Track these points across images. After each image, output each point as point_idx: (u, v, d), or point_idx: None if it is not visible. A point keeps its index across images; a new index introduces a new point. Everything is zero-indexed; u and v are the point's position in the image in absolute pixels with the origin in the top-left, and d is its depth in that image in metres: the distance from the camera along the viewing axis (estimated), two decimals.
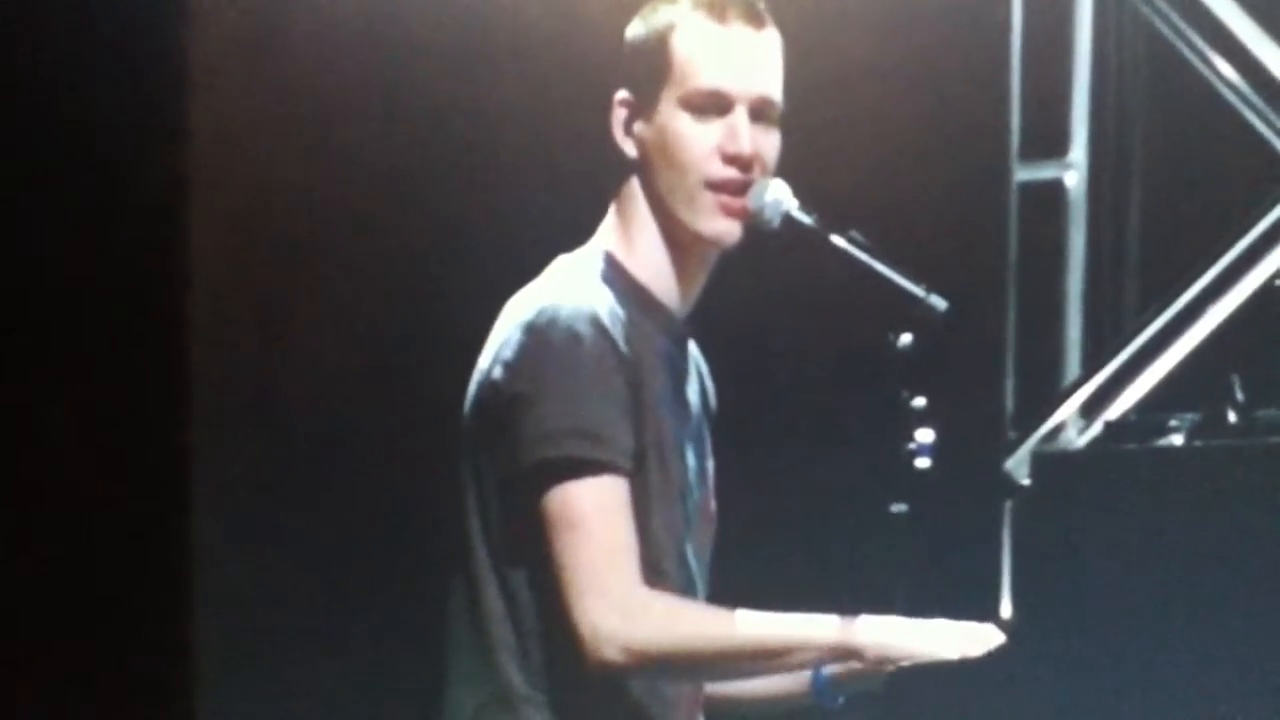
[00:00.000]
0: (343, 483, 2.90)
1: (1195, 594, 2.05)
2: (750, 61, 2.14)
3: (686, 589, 2.16)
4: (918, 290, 2.10)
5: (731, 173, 2.11)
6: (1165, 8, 3.10)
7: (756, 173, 2.12)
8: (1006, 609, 2.19)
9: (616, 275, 2.15)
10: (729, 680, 2.24)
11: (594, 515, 2.05)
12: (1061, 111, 3.26)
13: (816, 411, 3.04)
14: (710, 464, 2.27)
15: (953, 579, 2.22)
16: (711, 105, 2.12)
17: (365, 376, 2.88)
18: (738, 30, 2.14)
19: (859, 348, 2.10)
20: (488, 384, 2.12)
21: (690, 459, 2.21)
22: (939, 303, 2.10)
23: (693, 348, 2.26)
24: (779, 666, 2.14)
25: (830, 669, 2.22)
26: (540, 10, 2.80)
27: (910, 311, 2.10)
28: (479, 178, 2.86)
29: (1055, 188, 3.28)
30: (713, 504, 2.27)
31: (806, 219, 2.13)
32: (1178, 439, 2.25)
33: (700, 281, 2.20)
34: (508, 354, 2.10)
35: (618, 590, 2.04)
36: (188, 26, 2.46)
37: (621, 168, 2.18)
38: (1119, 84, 3.27)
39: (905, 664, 2.08)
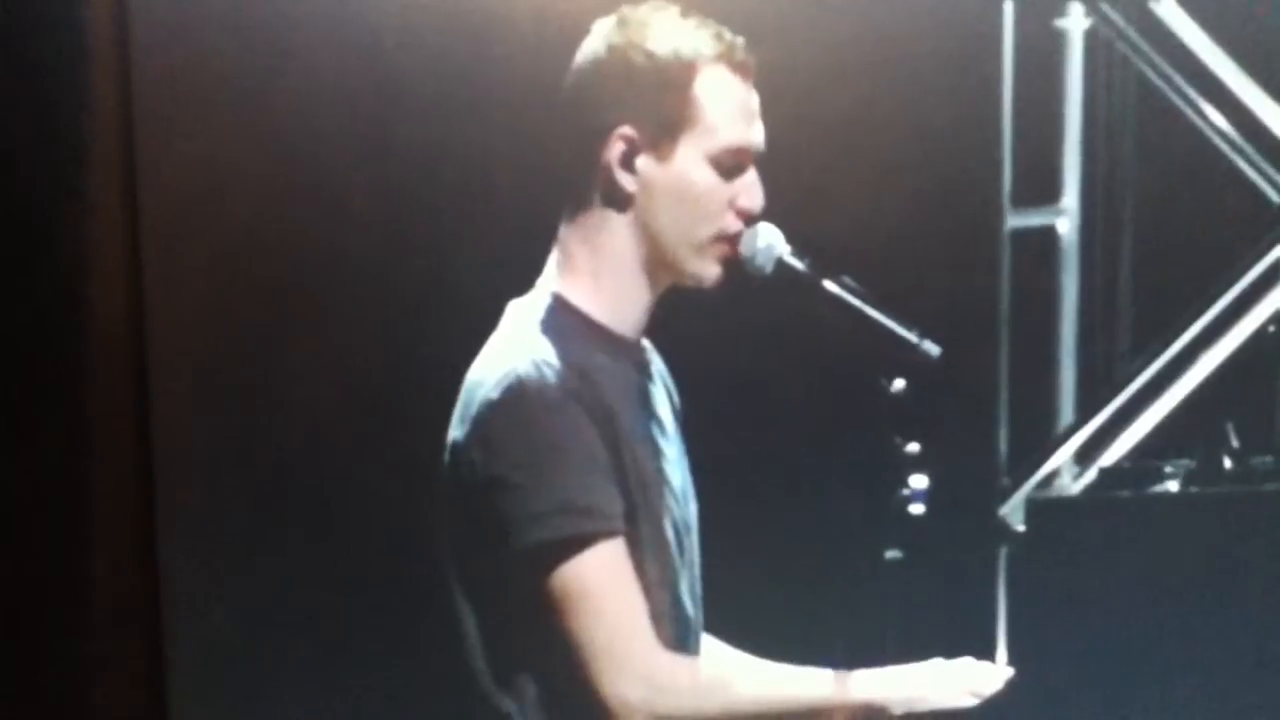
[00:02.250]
0: (322, 527, 2.89)
1: (1191, 642, 2.04)
2: (755, 114, 2.16)
3: (684, 629, 2.16)
4: (911, 336, 2.10)
5: (740, 225, 2.12)
6: (1155, 56, 3.11)
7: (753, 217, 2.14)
8: (1001, 656, 2.17)
9: (574, 321, 2.14)
10: None
11: (600, 587, 2.05)
12: (1053, 158, 3.26)
13: (808, 457, 3.02)
14: (689, 475, 2.26)
15: (947, 626, 2.21)
16: (733, 161, 2.13)
17: (348, 416, 2.87)
18: (749, 85, 2.16)
19: (852, 394, 2.10)
20: (463, 461, 2.11)
21: (676, 482, 2.20)
22: (932, 349, 2.10)
23: (653, 358, 2.25)
24: None
25: None
26: (532, 53, 2.80)
27: (903, 357, 2.10)
28: (467, 219, 2.85)
29: (1047, 234, 3.28)
30: (695, 517, 2.27)
31: (799, 264, 2.14)
32: (1173, 485, 2.25)
33: (653, 305, 2.20)
34: (480, 432, 2.08)
35: (640, 660, 2.05)
36: (180, 69, 2.46)
37: (592, 200, 2.16)
38: (1110, 131, 3.28)
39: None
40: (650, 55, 2.14)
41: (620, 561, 2.07)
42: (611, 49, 2.14)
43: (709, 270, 2.13)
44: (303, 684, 2.91)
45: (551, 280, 2.16)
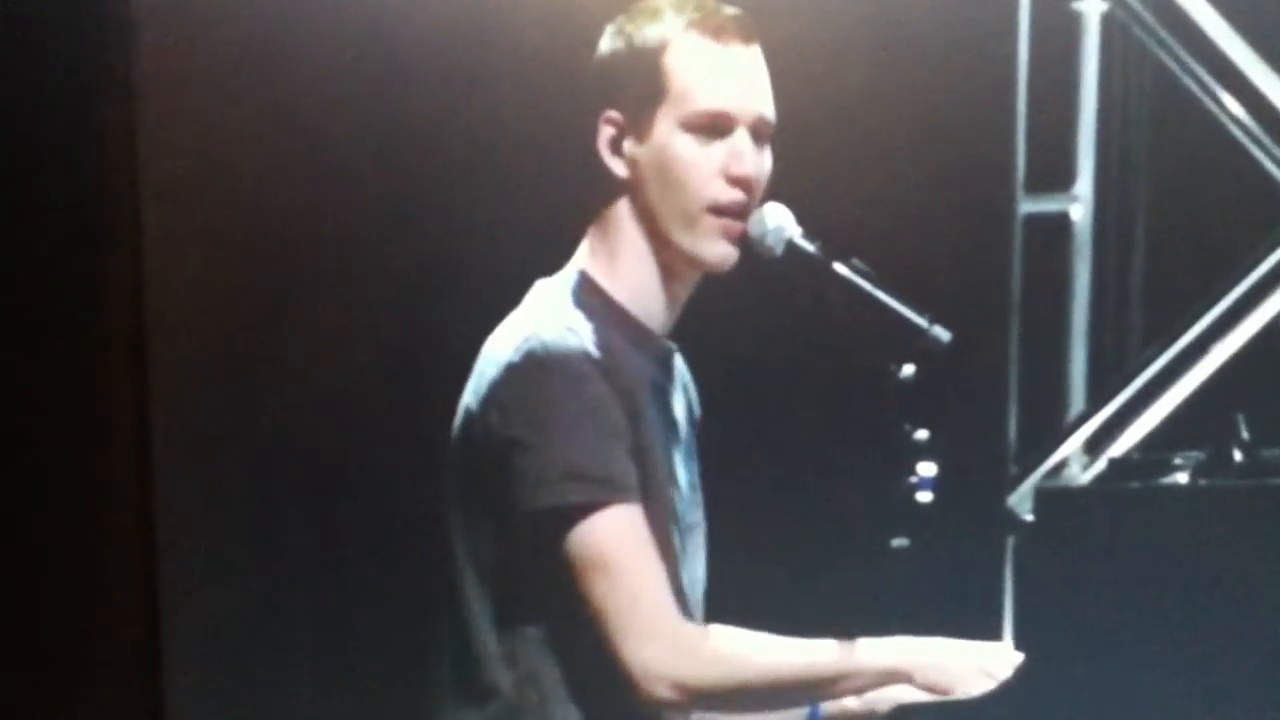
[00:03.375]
0: (324, 503, 2.89)
1: (1198, 634, 2.03)
2: (749, 80, 2.11)
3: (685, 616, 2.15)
4: (921, 321, 2.08)
5: (736, 195, 2.09)
6: (1171, 42, 3.09)
7: (755, 190, 2.10)
8: (1008, 645, 2.16)
9: (599, 301, 2.12)
10: (778, 709, 2.21)
11: (619, 554, 2.02)
12: (1067, 145, 3.24)
13: (817, 443, 3.01)
14: (699, 480, 2.25)
15: (954, 614, 2.19)
16: (714, 127, 2.09)
17: (353, 394, 2.87)
18: (735, 49, 2.11)
19: (860, 379, 2.08)
20: (477, 425, 2.08)
21: (683, 482, 2.18)
22: (942, 334, 2.07)
23: (677, 361, 2.23)
24: (828, 694, 2.12)
25: (826, 707, 2.20)
26: (539, 30, 2.78)
27: (913, 343, 2.07)
28: (473, 197, 2.84)
29: (1060, 221, 3.26)
30: (701, 519, 2.25)
31: (810, 247, 2.11)
32: (1182, 477, 2.23)
33: (683, 301, 2.17)
34: (497, 395, 2.06)
35: (662, 627, 2.03)
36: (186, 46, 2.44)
37: (604, 187, 2.14)
38: (1124, 118, 3.26)
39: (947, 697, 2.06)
40: (628, 39, 2.12)
41: (640, 529, 2.05)
42: (605, 43, 2.13)
43: (710, 249, 2.09)
44: (303, 673, 2.90)
45: (582, 261, 2.15)
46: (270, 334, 2.87)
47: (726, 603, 2.33)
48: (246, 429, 2.87)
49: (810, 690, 2.10)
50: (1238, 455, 2.19)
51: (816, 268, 2.11)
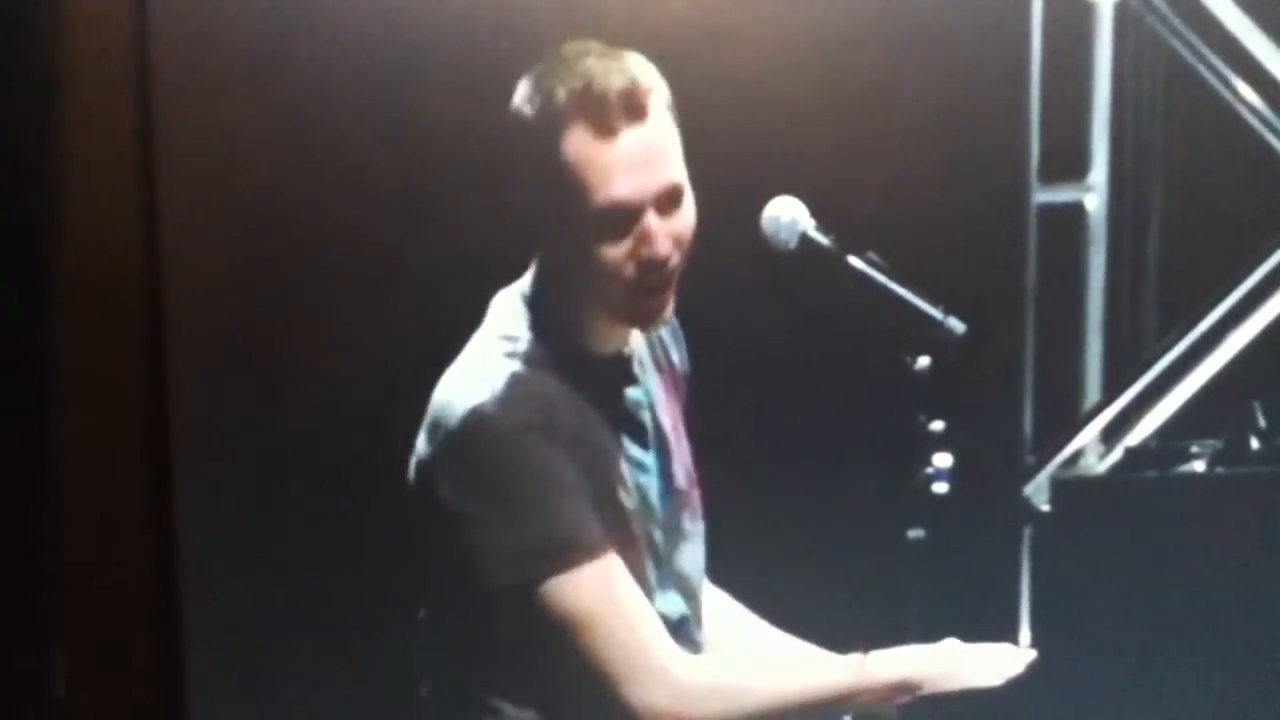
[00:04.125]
0: (343, 500, 2.89)
1: (1215, 622, 2.03)
2: (645, 161, 2.03)
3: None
4: (936, 313, 2.07)
5: (656, 274, 2.03)
6: (1185, 30, 3.08)
7: (675, 256, 2.06)
8: (1025, 636, 2.16)
9: (546, 332, 2.09)
10: None
11: (600, 609, 2.02)
12: (1081, 134, 3.24)
13: (832, 435, 3.01)
14: (689, 459, 2.23)
15: (970, 605, 2.19)
16: (619, 216, 2.04)
17: (371, 390, 2.87)
18: (625, 138, 2.04)
19: (876, 371, 2.07)
20: (432, 488, 2.04)
21: (654, 498, 2.17)
22: (957, 325, 2.07)
23: (636, 366, 2.20)
24: (836, 711, 2.12)
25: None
26: (555, 28, 2.78)
27: (928, 334, 2.07)
28: (488, 193, 2.84)
29: (1075, 210, 3.26)
30: (696, 500, 2.24)
31: (823, 239, 2.11)
32: (1199, 466, 2.23)
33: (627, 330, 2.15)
34: (446, 465, 2.03)
35: (659, 668, 2.03)
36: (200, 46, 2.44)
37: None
38: (1139, 106, 3.25)
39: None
40: (523, 120, 2.05)
41: (618, 576, 2.05)
42: (517, 98, 2.06)
43: (642, 321, 2.07)
44: (321, 670, 2.90)
45: (527, 282, 2.12)
46: (288, 332, 2.88)
47: (743, 596, 2.33)
48: (265, 426, 2.88)
49: (817, 709, 2.10)
50: (1254, 443, 2.19)
51: (830, 261, 2.10)
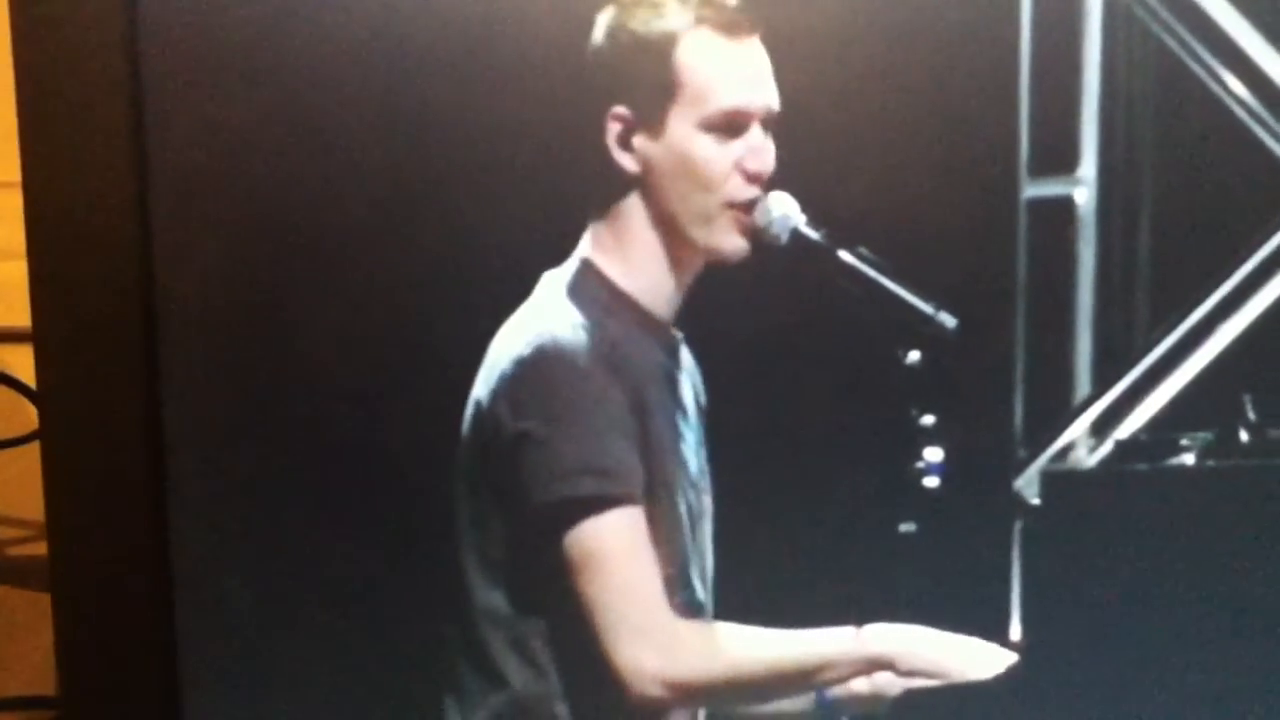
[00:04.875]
0: (336, 494, 2.88)
1: (1207, 616, 2.03)
2: (759, 74, 2.11)
3: (693, 612, 2.15)
4: (927, 307, 2.09)
5: (753, 191, 2.09)
6: (1175, 24, 3.08)
7: (765, 179, 2.10)
8: (1016, 630, 2.16)
9: (607, 292, 2.13)
10: (766, 702, 2.22)
11: (616, 553, 2.04)
12: (1071, 127, 3.23)
13: (822, 429, 3.01)
14: (707, 466, 2.25)
15: (961, 599, 2.20)
16: (731, 124, 2.09)
17: (365, 385, 2.87)
18: (745, 43, 2.10)
19: (867, 365, 2.08)
20: (487, 418, 2.09)
21: (693, 470, 2.19)
22: (948, 320, 2.08)
23: (684, 350, 2.24)
24: (815, 684, 2.13)
25: (835, 691, 2.21)
26: (553, 22, 2.78)
27: (919, 328, 2.08)
28: (486, 189, 2.84)
29: (1065, 204, 3.26)
30: (709, 505, 2.26)
31: (814, 234, 2.12)
32: (1189, 458, 2.23)
33: (688, 287, 2.17)
34: (508, 389, 2.07)
35: (651, 626, 2.04)
36: (193, 42, 2.44)
37: (612, 182, 2.14)
38: (1129, 100, 3.25)
39: (930, 682, 2.07)
40: (632, 33, 2.10)
41: (637, 528, 2.06)
42: (603, 34, 2.11)
43: (727, 242, 2.10)
44: (316, 662, 2.90)
45: (589, 252, 2.15)
46: (281, 326, 2.87)
47: (733, 589, 2.33)
48: (258, 420, 2.88)
49: (797, 682, 2.11)
50: (1245, 436, 2.20)
51: (822, 255, 2.11)
